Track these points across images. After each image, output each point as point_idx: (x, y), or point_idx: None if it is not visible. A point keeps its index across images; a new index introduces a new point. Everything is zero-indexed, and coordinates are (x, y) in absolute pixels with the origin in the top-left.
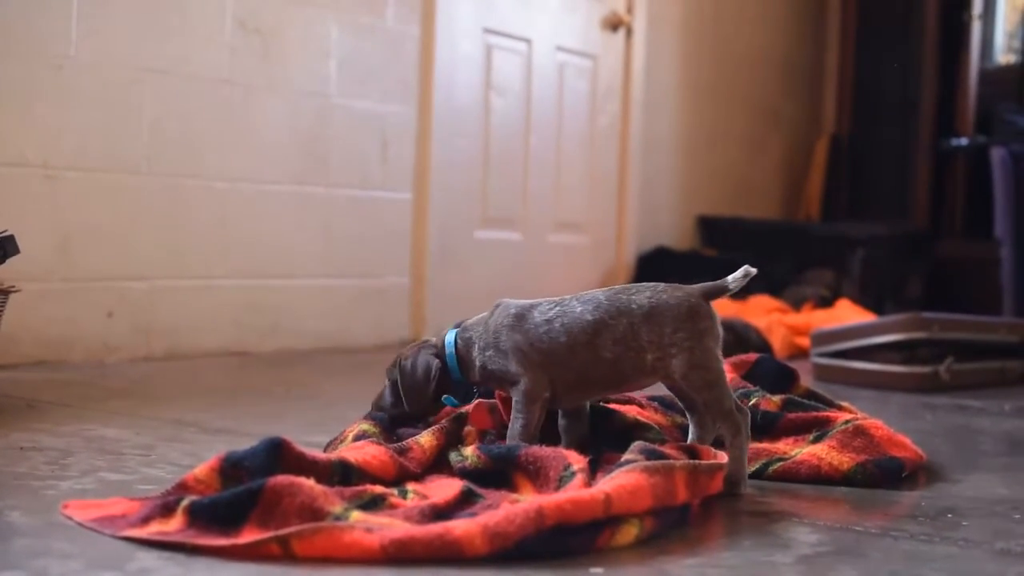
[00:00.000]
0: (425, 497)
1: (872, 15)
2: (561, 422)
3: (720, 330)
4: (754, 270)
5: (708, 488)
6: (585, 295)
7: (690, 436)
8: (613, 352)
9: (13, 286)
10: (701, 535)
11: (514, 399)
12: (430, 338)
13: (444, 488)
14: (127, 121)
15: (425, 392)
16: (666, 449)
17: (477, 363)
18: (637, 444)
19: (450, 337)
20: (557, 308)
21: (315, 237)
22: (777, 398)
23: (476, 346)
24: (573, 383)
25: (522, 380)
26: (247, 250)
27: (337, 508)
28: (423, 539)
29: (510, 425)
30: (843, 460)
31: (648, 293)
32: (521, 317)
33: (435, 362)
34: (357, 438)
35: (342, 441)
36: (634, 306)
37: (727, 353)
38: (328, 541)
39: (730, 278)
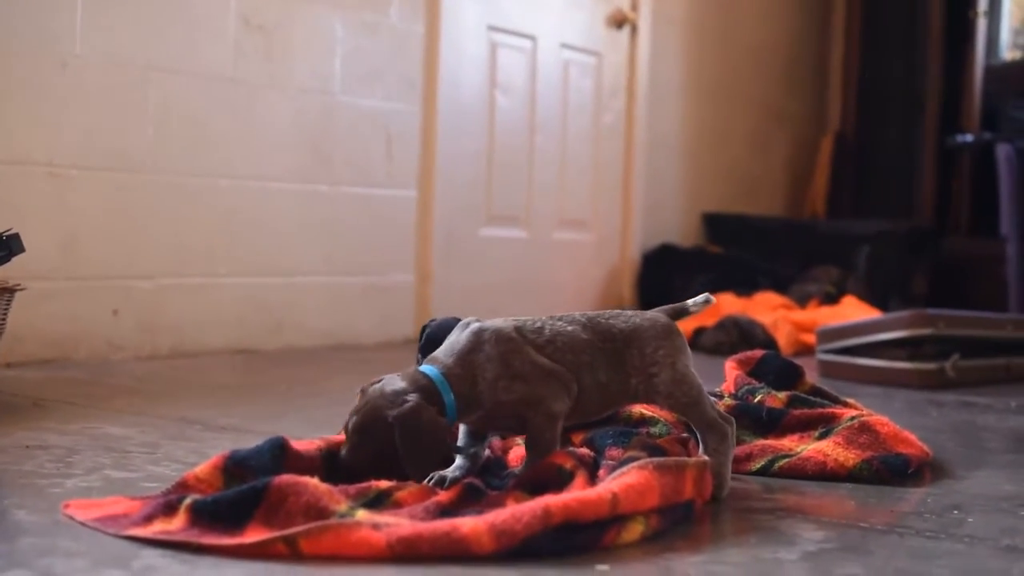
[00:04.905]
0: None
1: (877, 12)
2: (463, 440)
3: (689, 350)
4: (714, 299)
5: (711, 487)
6: (564, 316)
7: None
8: (606, 376)
9: (18, 284)
10: (706, 532)
11: (533, 422)
12: (387, 381)
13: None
14: (132, 119)
15: (438, 458)
16: (664, 444)
17: (487, 399)
18: (638, 440)
19: (438, 376)
20: (547, 330)
21: (320, 235)
22: (782, 395)
23: (482, 380)
24: (569, 408)
25: (545, 400)
26: (252, 248)
27: (342, 506)
28: (430, 537)
29: (528, 451)
30: (849, 457)
31: (623, 318)
32: (521, 333)
33: (443, 420)
34: None
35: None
36: (615, 331)
37: (732, 350)
38: (335, 539)
39: (690, 302)
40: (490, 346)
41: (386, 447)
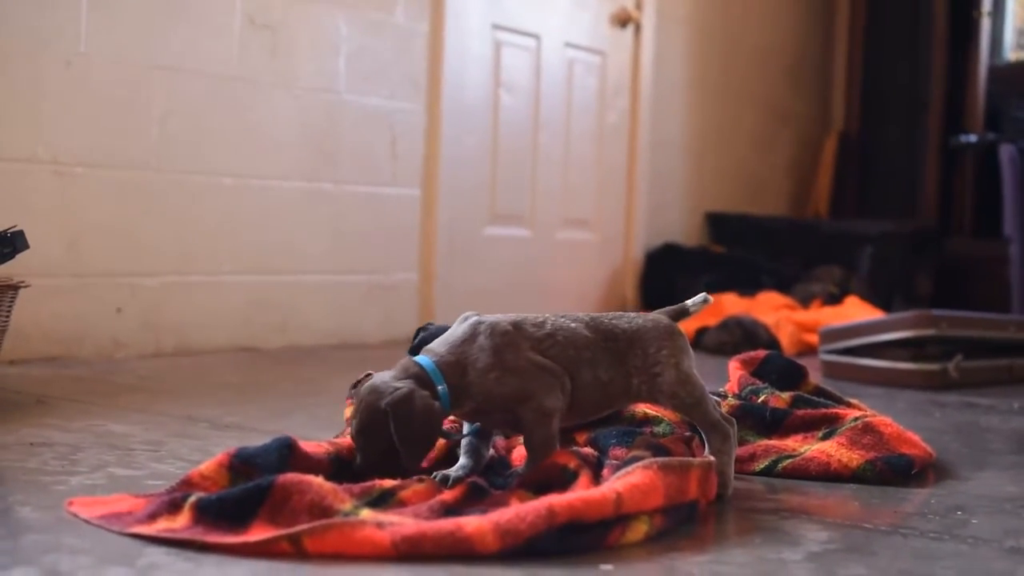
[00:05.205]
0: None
1: (881, 12)
2: (467, 441)
3: (692, 351)
4: (711, 299)
5: (715, 486)
6: (567, 315)
7: None
8: (608, 374)
9: (23, 282)
10: (710, 532)
11: (527, 420)
12: (376, 377)
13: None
14: (136, 117)
15: (431, 443)
16: (668, 443)
17: (477, 390)
18: (642, 439)
19: (430, 365)
20: (549, 324)
21: (324, 233)
22: (786, 395)
23: (472, 370)
24: (568, 405)
25: (537, 395)
26: (256, 246)
27: (347, 505)
28: (434, 536)
29: (528, 450)
30: (852, 457)
31: (625, 319)
32: (519, 328)
33: (437, 404)
34: None
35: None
36: (618, 331)
37: (736, 350)
38: (340, 538)
39: (689, 302)
40: (484, 337)
41: (391, 441)
